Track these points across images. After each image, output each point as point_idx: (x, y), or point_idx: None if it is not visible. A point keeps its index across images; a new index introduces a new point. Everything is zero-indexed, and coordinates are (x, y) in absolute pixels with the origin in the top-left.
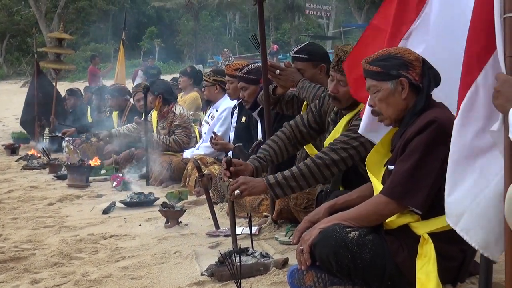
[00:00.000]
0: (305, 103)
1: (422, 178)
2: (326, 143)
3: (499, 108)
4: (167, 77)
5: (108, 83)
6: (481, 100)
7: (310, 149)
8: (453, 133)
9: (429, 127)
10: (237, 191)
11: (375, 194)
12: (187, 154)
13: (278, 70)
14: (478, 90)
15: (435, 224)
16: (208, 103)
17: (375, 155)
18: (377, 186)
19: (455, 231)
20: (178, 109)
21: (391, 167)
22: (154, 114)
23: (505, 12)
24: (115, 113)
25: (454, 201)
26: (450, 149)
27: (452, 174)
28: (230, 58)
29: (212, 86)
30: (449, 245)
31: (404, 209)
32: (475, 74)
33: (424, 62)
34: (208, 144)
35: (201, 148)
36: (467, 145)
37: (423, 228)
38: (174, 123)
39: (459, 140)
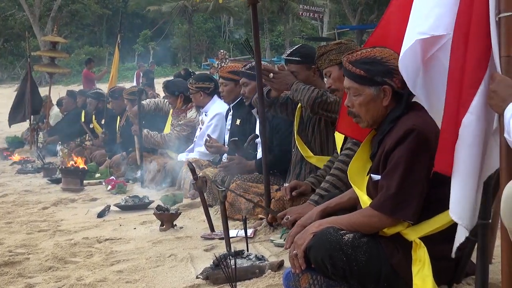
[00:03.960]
0: (299, 105)
1: (410, 190)
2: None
3: (495, 108)
4: (162, 80)
5: (102, 87)
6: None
7: (305, 151)
8: (464, 134)
9: (409, 137)
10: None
11: (362, 205)
12: (181, 157)
13: (271, 74)
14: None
15: (424, 229)
16: (198, 107)
17: (357, 161)
18: (362, 197)
19: (447, 230)
20: (190, 114)
21: (375, 176)
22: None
23: (499, 11)
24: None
25: (466, 209)
26: (463, 152)
27: (468, 179)
28: (226, 60)
29: (196, 93)
30: (443, 245)
31: (397, 222)
32: (482, 72)
33: None
34: (200, 149)
35: (195, 152)
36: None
37: (413, 234)
38: (179, 122)
39: (473, 139)
